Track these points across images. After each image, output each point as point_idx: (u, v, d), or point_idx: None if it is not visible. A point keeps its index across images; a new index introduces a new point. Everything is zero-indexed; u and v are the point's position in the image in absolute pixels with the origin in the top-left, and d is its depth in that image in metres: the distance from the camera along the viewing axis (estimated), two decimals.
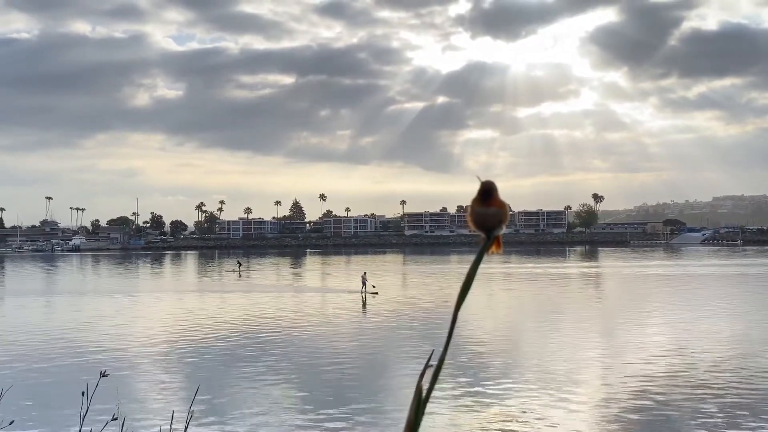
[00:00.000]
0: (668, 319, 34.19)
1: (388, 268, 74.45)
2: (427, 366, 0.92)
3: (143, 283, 68.11)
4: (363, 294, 45.39)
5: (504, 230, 0.96)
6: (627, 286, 56.18)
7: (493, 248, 0.98)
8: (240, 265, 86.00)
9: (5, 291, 62.19)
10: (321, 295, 48.91)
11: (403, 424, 0.86)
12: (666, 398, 17.96)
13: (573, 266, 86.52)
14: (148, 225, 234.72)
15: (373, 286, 47.36)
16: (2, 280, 79.42)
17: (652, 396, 18.17)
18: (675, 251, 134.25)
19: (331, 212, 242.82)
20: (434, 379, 0.92)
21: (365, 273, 48.84)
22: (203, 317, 36.59)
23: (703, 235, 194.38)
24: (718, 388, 18.80)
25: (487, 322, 34.21)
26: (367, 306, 40.89)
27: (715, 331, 29.38)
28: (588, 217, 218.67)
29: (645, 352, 24.50)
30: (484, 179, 0.95)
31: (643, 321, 33.09)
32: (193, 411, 4.33)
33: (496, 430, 15.50)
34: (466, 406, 17.47)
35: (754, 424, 15.52)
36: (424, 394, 0.91)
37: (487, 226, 0.94)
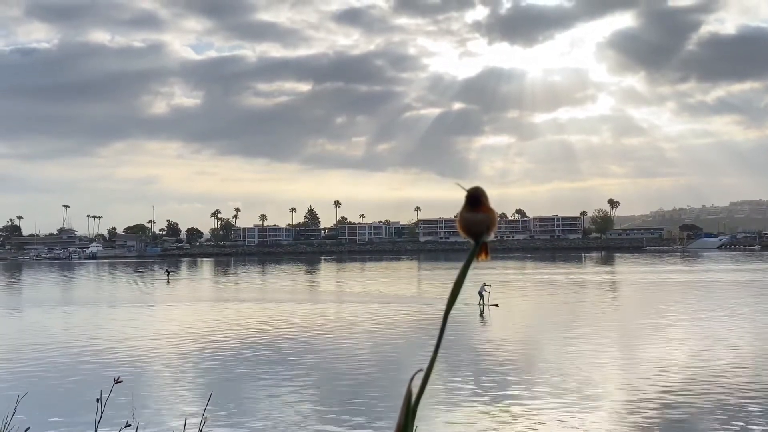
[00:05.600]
0: (689, 327, 33.92)
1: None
2: (427, 374, 0.92)
3: (158, 291, 68.41)
4: (481, 306, 41.08)
5: (492, 237, 0.94)
6: (645, 293, 55.75)
7: (482, 256, 0.95)
8: (169, 273, 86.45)
9: (22, 299, 62.69)
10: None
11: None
12: (687, 411, 17.79)
13: (589, 272, 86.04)
14: (164, 232, 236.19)
15: (494, 305, 41.88)
16: (20, 288, 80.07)
17: (672, 408, 18.01)
18: (692, 257, 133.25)
19: (346, 219, 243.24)
20: (424, 383, 0.92)
21: (485, 284, 42.86)
22: (218, 325, 36.70)
23: (720, 240, 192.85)
24: (741, 398, 18.60)
25: (505, 329, 34.10)
26: (485, 318, 37.59)
27: (739, 340, 28.91)
28: (604, 222, 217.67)
29: (665, 363, 24.27)
30: (471, 186, 0.94)
31: (664, 330, 32.81)
32: (206, 417, 4.33)
33: None
34: (483, 413, 17.38)
35: None
36: (413, 399, 0.91)
37: (474, 232, 0.93)
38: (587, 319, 37.07)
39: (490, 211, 0.94)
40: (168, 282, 76.29)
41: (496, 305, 41.48)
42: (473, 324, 35.60)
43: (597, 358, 24.89)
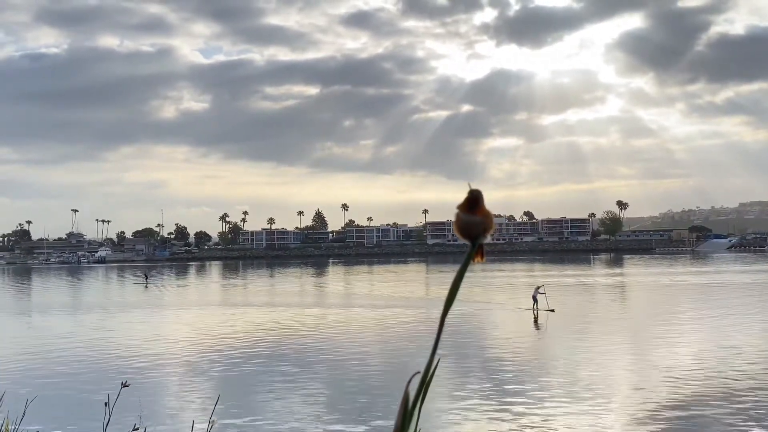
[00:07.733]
0: (703, 330, 33.75)
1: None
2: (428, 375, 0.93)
3: (167, 295, 68.57)
4: (535, 311, 39.50)
5: (488, 239, 0.96)
6: (657, 295, 55.50)
7: (477, 258, 0.97)
8: (147, 277, 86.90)
9: (31, 303, 62.93)
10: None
11: None
12: (699, 415, 17.69)
13: (599, 275, 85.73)
14: (172, 236, 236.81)
15: (550, 310, 39.74)
16: (29, 293, 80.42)
17: (686, 411, 17.90)
18: (702, 258, 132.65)
19: (354, 222, 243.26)
20: (422, 385, 0.92)
21: (538, 287, 41.41)
22: (226, 328, 36.73)
23: (730, 241, 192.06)
24: (754, 403, 18.48)
25: (516, 333, 34.02)
26: (539, 324, 36.15)
27: (753, 343, 28.64)
28: (612, 224, 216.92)
29: (677, 367, 24.16)
30: (473, 188, 0.95)
31: (677, 333, 32.62)
32: (214, 420, 4.31)
33: None
34: (494, 418, 17.33)
35: None
36: (410, 401, 0.91)
37: (471, 234, 0.95)
38: (602, 322, 36.92)
39: (486, 213, 0.95)
40: (146, 286, 76.48)
41: (552, 310, 39.44)
42: (494, 326, 35.51)
43: (612, 361, 24.77)
